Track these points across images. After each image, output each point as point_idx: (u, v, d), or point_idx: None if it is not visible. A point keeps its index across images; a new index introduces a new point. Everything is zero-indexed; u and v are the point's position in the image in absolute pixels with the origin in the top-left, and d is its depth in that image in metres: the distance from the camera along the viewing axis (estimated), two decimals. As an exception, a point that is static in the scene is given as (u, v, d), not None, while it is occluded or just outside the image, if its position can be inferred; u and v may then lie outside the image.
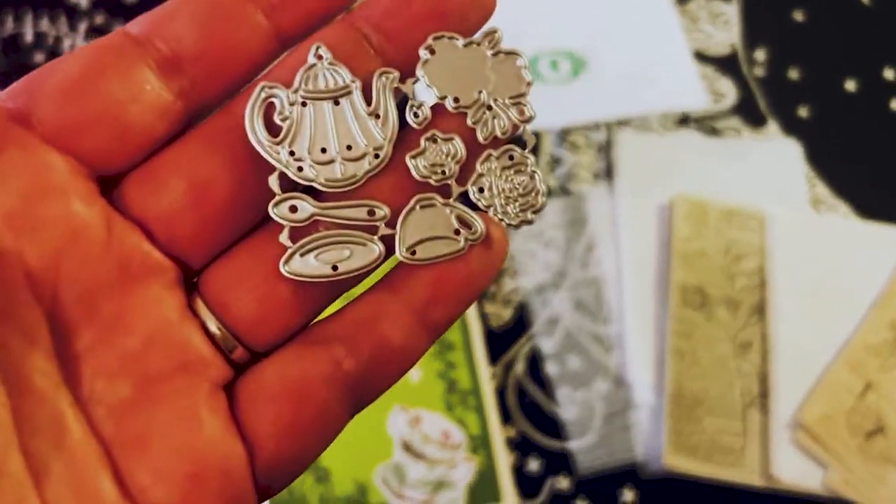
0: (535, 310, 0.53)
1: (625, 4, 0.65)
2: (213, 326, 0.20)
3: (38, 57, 0.60)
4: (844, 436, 0.49)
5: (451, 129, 0.21)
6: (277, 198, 0.20)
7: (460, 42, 0.21)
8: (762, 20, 0.64)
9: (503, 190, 0.21)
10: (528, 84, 0.22)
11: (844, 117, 0.61)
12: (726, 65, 0.62)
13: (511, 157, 0.21)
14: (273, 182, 0.20)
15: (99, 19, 0.62)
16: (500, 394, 0.50)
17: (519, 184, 0.21)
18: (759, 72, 0.62)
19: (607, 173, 0.57)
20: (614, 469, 0.49)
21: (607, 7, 0.65)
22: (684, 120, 0.60)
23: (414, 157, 0.21)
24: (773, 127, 0.60)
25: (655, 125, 0.60)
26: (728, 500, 0.48)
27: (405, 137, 0.21)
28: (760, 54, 0.63)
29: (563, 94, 0.61)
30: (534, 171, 0.21)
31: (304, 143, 0.20)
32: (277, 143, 0.20)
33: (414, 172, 0.21)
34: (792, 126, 0.60)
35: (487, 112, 0.21)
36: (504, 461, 0.48)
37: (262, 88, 0.20)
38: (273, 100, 0.20)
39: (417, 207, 0.21)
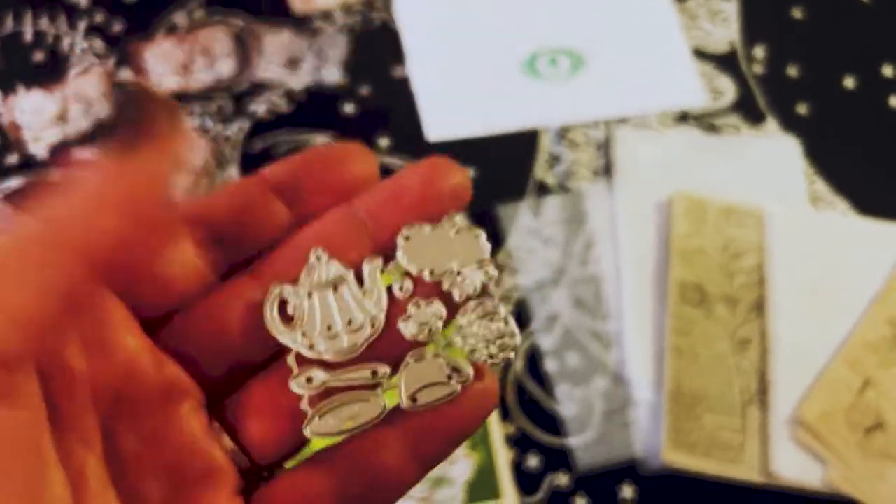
0: (534, 307, 0.53)
1: (623, 2, 0.65)
2: (229, 444, 0.25)
3: (38, 55, 0.60)
4: (844, 432, 0.49)
5: (431, 295, 0.25)
6: (296, 373, 0.25)
7: (427, 228, 0.26)
8: (761, 17, 0.64)
9: (482, 336, 0.25)
10: (488, 251, 0.26)
11: (843, 114, 0.61)
12: (725, 62, 0.62)
13: (484, 308, 0.25)
14: (291, 360, 0.25)
15: (98, 18, 0.62)
16: (500, 391, 0.50)
17: (495, 329, 0.25)
18: (758, 69, 0.62)
19: (606, 171, 0.57)
20: (614, 466, 0.49)
21: (606, 4, 0.65)
22: (683, 117, 0.60)
23: (404, 320, 0.25)
24: (772, 124, 0.60)
25: (654, 122, 0.60)
26: (727, 497, 0.48)
27: (394, 307, 0.26)
28: (759, 51, 0.63)
29: (562, 91, 0.61)
30: (506, 318, 0.26)
31: (315, 325, 0.25)
32: (292, 330, 0.25)
33: (405, 333, 0.25)
34: (791, 123, 0.60)
35: (458, 277, 0.26)
36: (503, 458, 0.48)
37: (276, 289, 0.25)
38: (285, 296, 0.25)
39: (412, 361, 0.25)
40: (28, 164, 0.56)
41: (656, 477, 0.49)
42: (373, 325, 0.25)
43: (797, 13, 0.65)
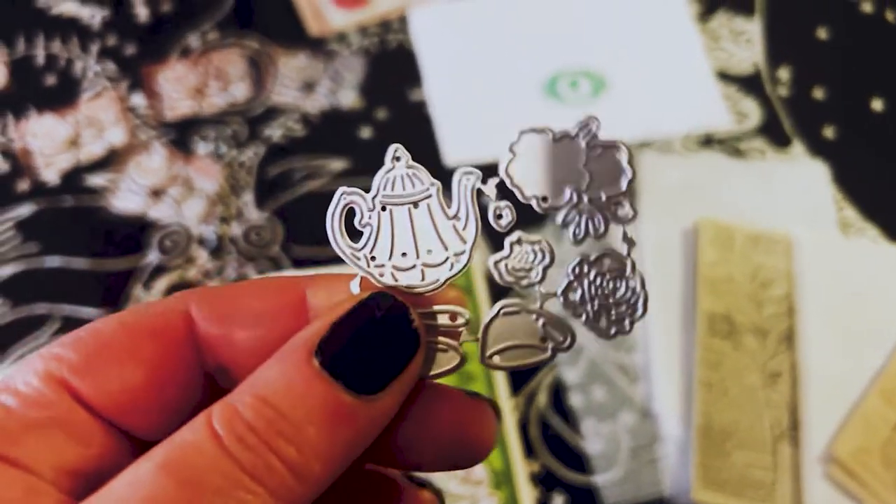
0: (557, 338, 0.51)
1: (645, 23, 0.64)
2: None
3: (50, 79, 0.59)
4: (880, 470, 0.48)
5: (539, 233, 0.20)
6: (359, 295, 0.20)
7: (550, 136, 0.20)
8: (785, 38, 0.63)
9: (596, 296, 0.20)
10: (630, 181, 0.20)
11: (872, 137, 0.60)
12: (749, 84, 0.61)
13: (607, 261, 0.20)
14: (354, 285, 0.21)
15: (111, 40, 0.61)
16: (523, 426, 0.49)
17: (614, 291, 0.20)
18: (783, 91, 0.61)
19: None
20: (641, 504, 0.48)
21: (627, 25, 0.63)
22: (707, 141, 0.59)
23: (497, 262, 0.20)
24: (798, 148, 0.59)
25: (678, 146, 0.58)
26: (759, 537, 0.47)
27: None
28: (784, 73, 0.62)
29: (583, 114, 0.59)
30: (633, 276, 0.20)
31: (386, 249, 0.20)
32: (359, 250, 0.20)
33: (497, 278, 0.20)
34: (818, 147, 0.59)
35: (581, 212, 0.20)
36: (528, 497, 0.47)
37: (342, 194, 0.20)
38: (353, 206, 0.20)
39: (501, 314, 0.20)
40: (39, 190, 0.55)
41: (685, 516, 0.47)
42: (457, 262, 0.20)
43: (822, 33, 0.63)
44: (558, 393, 0.50)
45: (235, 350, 0.22)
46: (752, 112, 0.60)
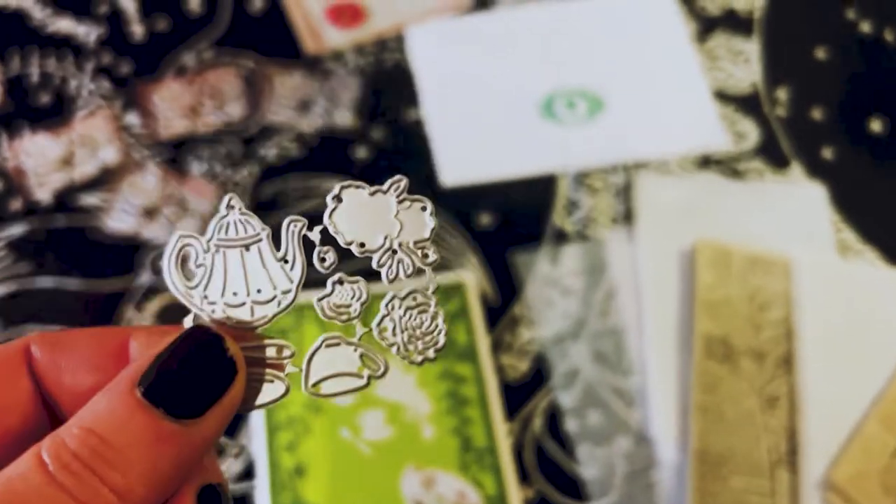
0: (553, 362, 0.51)
1: (642, 42, 0.63)
2: None
3: (44, 98, 0.59)
4: (878, 496, 0.47)
5: (355, 273, 0.23)
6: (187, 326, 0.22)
7: (366, 191, 0.23)
8: (784, 58, 0.63)
9: (406, 329, 0.23)
10: (432, 229, 0.23)
11: (871, 159, 0.59)
12: (747, 104, 0.61)
13: (415, 298, 0.23)
14: (188, 322, 0.22)
15: (106, 59, 0.60)
16: (518, 451, 0.48)
17: (421, 323, 0.23)
18: (782, 112, 0.61)
19: (626, 217, 0.56)
20: (637, 531, 0.47)
21: (625, 45, 0.63)
22: (705, 161, 0.58)
23: (320, 299, 0.23)
24: (796, 169, 0.58)
25: (675, 167, 0.58)
26: (757, 565, 0.46)
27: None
28: (782, 94, 0.61)
29: (580, 134, 0.59)
30: (436, 312, 0.23)
31: (218, 288, 0.22)
32: (192, 288, 0.22)
33: (320, 313, 0.22)
34: (816, 168, 0.58)
35: (392, 256, 0.23)
36: (522, 523, 0.46)
37: (179, 238, 0.22)
38: (189, 248, 0.22)
39: (323, 346, 0.23)
40: (32, 209, 0.55)
41: (682, 543, 0.46)
42: (284, 300, 0.22)
43: (821, 54, 0.63)
44: (554, 417, 0.49)
45: (65, 392, 0.24)
46: (750, 132, 0.60)
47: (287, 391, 0.22)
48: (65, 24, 0.62)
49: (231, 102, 0.59)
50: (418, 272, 0.23)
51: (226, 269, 0.22)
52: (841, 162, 0.58)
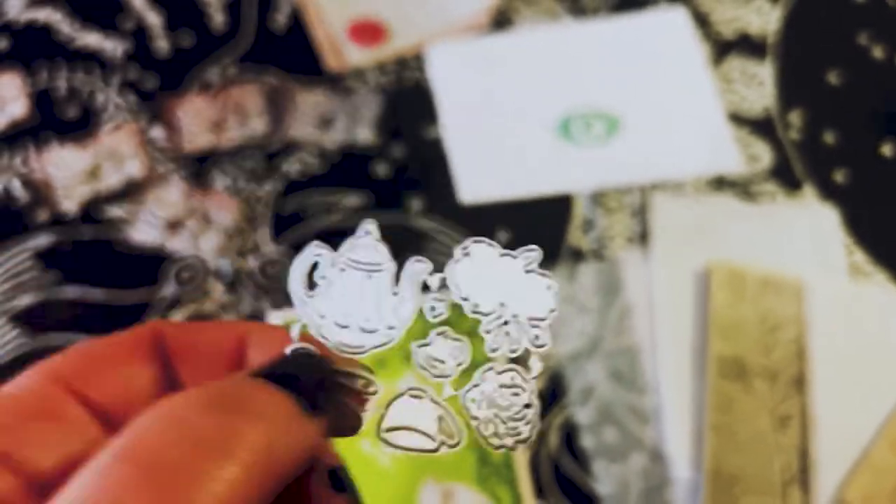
0: (569, 379, 0.52)
1: (658, 64, 0.65)
2: None
3: (71, 111, 0.60)
4: (889, 517, 0.48)
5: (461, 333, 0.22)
6: (295, 345, 0.22)
7: (496, 250, 0.22)
8: (797, 82, 0.64)
9: (493, 406, 0.21)
10: (552, 311, 0.22)
11: (883, 182, 0.60)
12: (761, 127, 0.62)
13: (513, 378, 0.21)
14: (294, 330, 0.22)
15: (132, 73, 0.62)
16: (534, 467, 0.49)
17: (510, 406, 0.21)
18: (795, 135, 0.62)
19: (642, 238, 0.57)
20: (651, 547, 0.48)
21: (640, 67, 0.64)
22: (719, 183, 0.59)
23: (418, 346, 0.22)
24: (809, 191, 0.59)
25: (690, 189, 0.59)
26: (768, 582, 0.47)
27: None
28: (795, 117, 0.62)
29: (596, 155, 0.60)
30: (531, 402, 0.21)
31: (333, 304, 0.22)
32: (309, 297, 0.22)
33: (414, 360, 0.22)
34: (828, 191, 0.59)
35: (503, 326, 0.21)
36: (538, 538, 0.47)
37: (314, 246, 0.22)
38: (317, 259, 0.22)
39: (407, 394, 0.22)
40: (59, 220, 0.56)
41: (695, 560, 0.47)
42: (387, 336, 0.22)
43: (833, 78, 0.64)
44: (570, 434, 0.50)
45: (189, 380, 0.24)
46: (764, 155, 0.61)
47: (360, 428, 0.22)
48: (92, 39, 0.63)
49: (254, 118, 0.60)
50: (525, 352, 0.22)
51: (345, 288, 0.22)
52: (853, 185, 0.59)
